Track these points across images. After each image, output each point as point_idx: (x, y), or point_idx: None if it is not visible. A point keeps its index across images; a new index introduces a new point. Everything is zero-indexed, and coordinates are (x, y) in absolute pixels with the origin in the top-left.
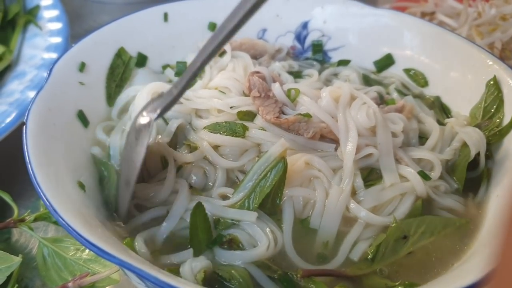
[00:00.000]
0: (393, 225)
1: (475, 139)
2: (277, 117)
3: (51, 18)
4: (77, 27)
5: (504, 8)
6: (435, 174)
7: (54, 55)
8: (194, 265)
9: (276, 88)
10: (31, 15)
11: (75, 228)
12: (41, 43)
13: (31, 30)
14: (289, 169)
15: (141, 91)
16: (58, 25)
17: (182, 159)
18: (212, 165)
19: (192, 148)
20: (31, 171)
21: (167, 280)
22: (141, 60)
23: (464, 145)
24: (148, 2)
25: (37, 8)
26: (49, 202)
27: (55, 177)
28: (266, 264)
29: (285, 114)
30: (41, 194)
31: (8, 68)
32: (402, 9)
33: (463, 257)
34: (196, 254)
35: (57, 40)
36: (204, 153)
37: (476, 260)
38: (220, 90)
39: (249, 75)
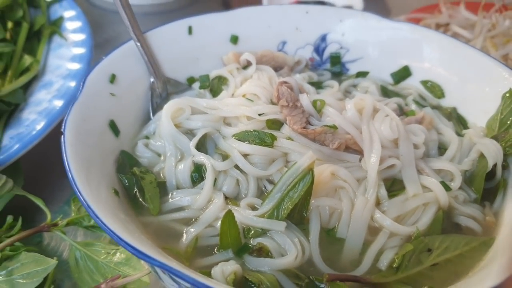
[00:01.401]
0: (416, 235)
1: (493, 151)
2: (303, 127)
3: (74, 29)
4: (97, 36)
5: None
6: (455, 184)
7: (78, 65)
8: (225, 268)
9: (304, 99)
10: (56, 26)
11: (117, 233)
12: (66, 53)
13: (56, 41)
14: (316, 179)
15: (163, 109)
16: (81, 36)
17: (216, 166)
18: (243, 174)
19: (224, 157)
20: (71, 177)
21: (203, 281)
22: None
23: (482, 156)
24: (166, 13)
25: (61, 19)
26: (90, 207)
27: (93, 183)
28: (293, 272)
29: (311, 125)
30: (82, 199)
31: (35, 78)
32: (416, 21)
33: (479, 265)
34: (225, 258)
35: (81, 50)
36: (235, 162)
37: (490, 268)
38: (247, 98)
39: (278, 84)
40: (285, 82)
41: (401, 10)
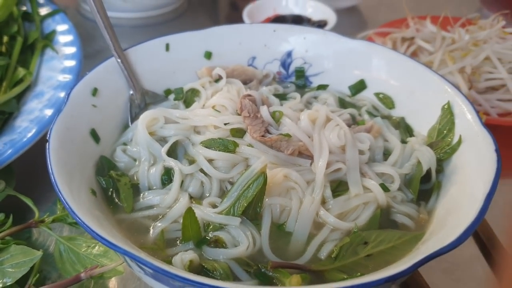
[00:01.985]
0: (355, 230)
1: (427, 157)
2: (262, 136)
3: (66, 43)
4: (89, 47)
5: (477, 34)
6: (394, 186)
7: (69, 77)
8: (183, 256)
9: (263, 111)
10: (48, 39)
11: (91, 227)
12: (57, 65)
13: (48, 54)
14: (270, 181)
15: (139, 119)
16: (72, 49)
17: (183, 170)
18: (207, 177)
19: (191, 162)
20: (53, 180)
21: (160, 266)
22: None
23: (419, 161)
24: (152, 25)
25: (53, 33)
26: (69, 206)
27: (72, 185)
28: (244, 260)
29: (270, 133)
30: (62, 199)
31: (28, 89)
32: (384, 35)
33: (409, 255)
34: (186, 248)
35: (72, 63)
36: (200, 166)
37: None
38: (216, 109)
39: (241, 97)
40: (249, 95)
41: (377, 23)
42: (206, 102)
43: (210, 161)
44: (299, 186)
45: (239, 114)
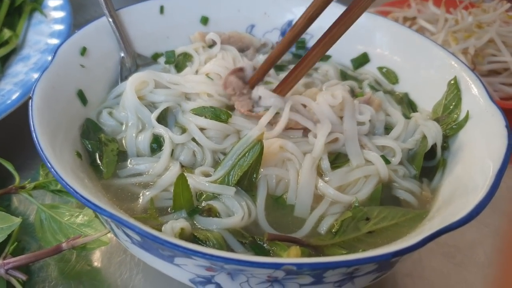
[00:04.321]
0: (356, 204)
1: (433, 131)
2: (250, 110)
3: (55, 7)
4: (79, 16)
5: (481, 17)
6: (395, 159)
7: (57, 41)
8: (174, 225)
9: (259, 90)
10: (37, 3)
11: (74, 188)
12: (45, 29)
13: (36, 17)
14: (265, 151)
15: (128, 81)
16: (61, 14)
17: (174, 139)
18: (199, 147)
19: (183, 130)
20: (36, 139)
21: (149, 230)
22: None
23: (424, 137)
24: None
25: None
26: (52, 167)
27: (56, 145)
28: (239, 231)
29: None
30: (45, 159)
31: (14, 52)
32: (385, 13)
33: (411, 234)
34: (177, 217)
35: (60, 27)
36: (192, 135)
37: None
38: (209, 77)
39: (228, 73)
40: (239, 70)
41: (378, 2)
42: (200, 68)
43: (201, 130)
44: (296, 157)
45: None
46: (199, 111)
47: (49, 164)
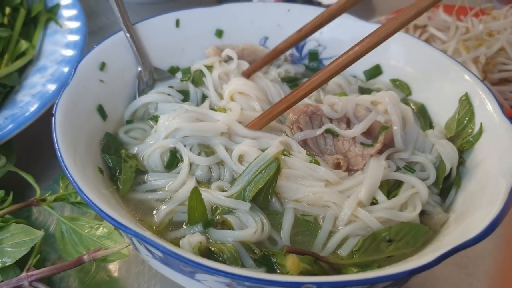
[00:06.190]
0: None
1: (449, 154)
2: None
3: (70, 17)
4: (91, 24)
5: (492, 25)
6: (430, 179)
7: (72, 52)
8: (191, 239)
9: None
10: (52, 13)
11: (99, 206)
12: (60, 40)
13: (51, 28)
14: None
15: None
16: (76, 24)
17: (200, 162)
18: (217, 164)
19: (207, 153)
20: (60, 156)
21: (173, 249)
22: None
23: (441, 159)
24: (159, 3)
25: (57, 6)
26: (75, 182)
27: (79, 161)
28: (250, 246)
29: None
30: (68, 175)
31: (31, 63)
32: None
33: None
34: (193, 232)
35: (76, 38)
36: (220, 158)
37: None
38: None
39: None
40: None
41: (386, 11)
42: (224, 91)
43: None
44: (335, 205)
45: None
46: None
47: (73, 182)
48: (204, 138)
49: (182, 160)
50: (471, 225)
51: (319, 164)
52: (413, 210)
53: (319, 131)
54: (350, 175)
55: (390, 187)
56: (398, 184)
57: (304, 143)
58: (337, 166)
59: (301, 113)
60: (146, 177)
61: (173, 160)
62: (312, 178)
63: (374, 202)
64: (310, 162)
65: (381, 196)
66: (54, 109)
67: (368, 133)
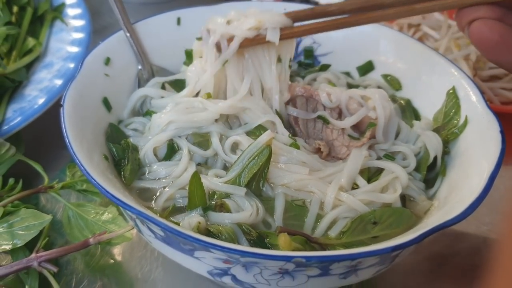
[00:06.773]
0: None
1: (434, 143)
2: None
3: (75, 16)
4: (95, 22)
5: None
6: (411, 166)
7: (77, 49)
8: (191, 220)
9: None
10: (57, 12)
11: (106, 188)
12: (66, 37)
13: (57, 26)
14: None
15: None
16: (81, 22)
17: (204, 154)
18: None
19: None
20: (68, 143)
21: (174, 226)
22: None
23: (426, 147)
24: (162, 3)
25: (62, 5)
26: (84, 168)
27: (86, 148)
28: (246, 228)
29: None
30: (77, 161)
31: (38, 59)
32: (390, 21)
33: None
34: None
35: (81, 35)
36: (216, 151)
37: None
38: None
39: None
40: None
41: None
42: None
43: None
44: (319, 191)
45: None
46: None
47: (82, 167)
48: (199, 128)
49: (179, 149)
50: (453, 208)
51: (298, 148)
52: (394, 192)
53: (313, 115)
54: (332, 161)
55: (371, 175)
56: (379, 172)
57: (295, 121)
58: (317, 151)
59: (299, 94)
60: (147, 167)
61: (171, 153)
62: (296, 162)
63: (356, 187)
64: (290, 145)
65: (361, 181)
66: (62, 100)
67: (356, 126)
